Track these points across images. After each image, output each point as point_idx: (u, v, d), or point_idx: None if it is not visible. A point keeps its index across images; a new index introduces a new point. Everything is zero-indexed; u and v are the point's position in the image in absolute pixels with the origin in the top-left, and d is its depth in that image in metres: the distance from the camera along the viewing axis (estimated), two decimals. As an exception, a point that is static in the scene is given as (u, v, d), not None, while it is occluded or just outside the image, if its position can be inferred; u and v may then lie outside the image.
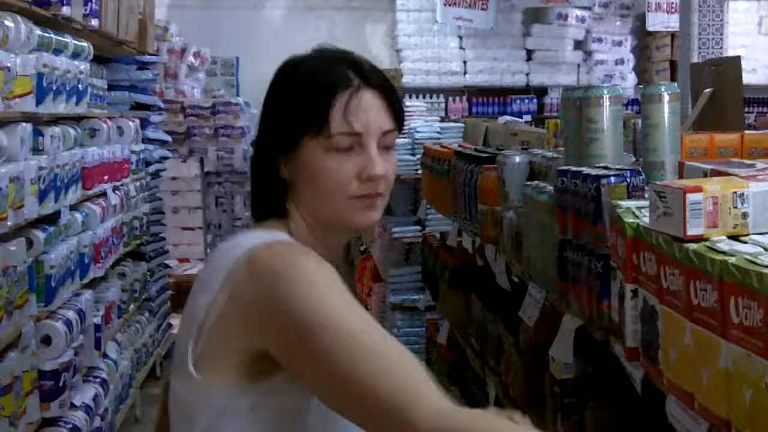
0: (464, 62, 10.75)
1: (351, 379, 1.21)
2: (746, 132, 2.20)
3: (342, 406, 1.25)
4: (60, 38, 3.88)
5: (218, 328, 1.31)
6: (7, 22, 3.18)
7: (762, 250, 1.07)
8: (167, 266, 6.64)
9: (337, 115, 1.34)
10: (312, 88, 1.36)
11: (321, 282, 1.27)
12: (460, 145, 3.73)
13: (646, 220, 1.31)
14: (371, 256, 7.27)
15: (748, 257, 1.02)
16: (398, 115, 1.39)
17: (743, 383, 1.02)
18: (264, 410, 1.31)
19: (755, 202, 1.18)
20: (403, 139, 5.43)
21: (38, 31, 3.55)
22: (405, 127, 5.58)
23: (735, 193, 1.18)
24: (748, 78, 8.78)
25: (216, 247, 1.46)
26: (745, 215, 1.18)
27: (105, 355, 4.46)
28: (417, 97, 10.08)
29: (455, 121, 6.08)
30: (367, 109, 1.34)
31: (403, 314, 5.44)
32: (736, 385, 1.03)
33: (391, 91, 1.38)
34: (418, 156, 4.85)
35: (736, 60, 2.97)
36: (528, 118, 9.69)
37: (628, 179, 1.58)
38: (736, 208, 1.18)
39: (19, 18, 3.33)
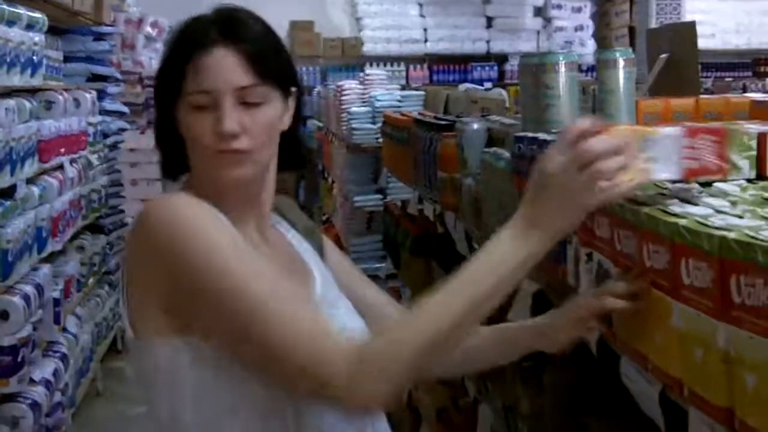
0: (424, 30, 10.73)
1: (253, 341, 1.27)
2: (701, 96, 2.21)
3: (249, 361, 1.30)
4: (13, 9, 3.81)
5: (133, 289, 1.36)
6: (-45, -8, 3.11)
7: (712, 212, 1.08)
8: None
9: (190, 73, 1.37)
10: (173, 48, 1.42)
11: (200, 233, 1.30)
12: (420, 113, 3.72)
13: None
14: (333, 225, 7.27)
15: (698, 219, 1.04)
16: (267, 70, 1.39)
17: (695, 343, 1.03)
18: (204, 363, 1.32)
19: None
20: (363, 108, 5.42)
21: (-11, 2, 3.48)
22: (366, 96, 5.57)
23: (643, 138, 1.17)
24: (706, 43, 8.87)
25: None
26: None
27: (65, 330, 4.42)
28: (377, 65, 10.04)
29: (416, 89, 6.06)
30: (217, 67, 1.36)
31: (366, 282, 5.46)
32: (688, 345, 1.05)
33: (256, 45, 1.38)
34: (379, 124, 4.84)
35: (691, 24, 2.97)
36: (489, 85, 9.69)
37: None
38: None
39: (-32, -12, 3.26)
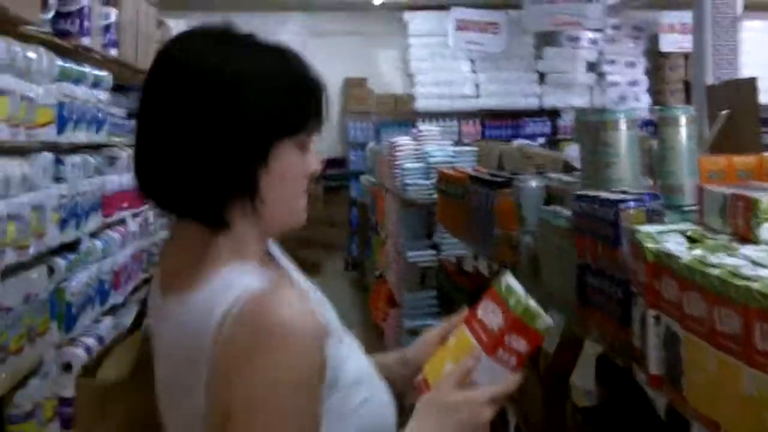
0: (477, 85, 10.80)
1: None
2: (765, 154, 2.20)
3: None
4: (80, 68, 3.93)
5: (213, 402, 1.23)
6: (30, 54, 3.23)
7: (784, 276, 1.08)
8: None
9: (312, 113, 1.34)
10: (297, 87, 1.33)
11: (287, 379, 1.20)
12: (474, 169, 3.74)
13: (667, 245, 1.32)
14: (386, 280, 7.27)
15: (770, 283, 1.03)
16: None
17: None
18: None
19: None
20: (417, 164, 5.46)
21: (59, 62, 3.59)
22: (420, 152, 5.62)
23: None
24: (764, 98, 8.77)
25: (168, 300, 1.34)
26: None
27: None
28: (430, 121, 10.11)
29: (469, 144, 6.10)
30: None
31: (420, 338, 5.43)
32: (761, 412, 1.04)
33: None
34: (432, 180, 4.87)
35: (752, 81, 2.98)
36: (542, 140, 9.71)
37: (646, 204, 1.59)
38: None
39: (41, 49, 3.38)
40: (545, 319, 1.38)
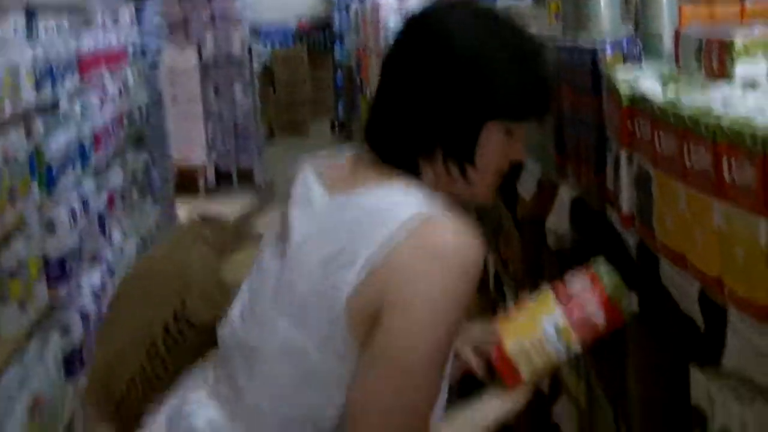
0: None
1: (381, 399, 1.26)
2: (746, 3, 2.17)
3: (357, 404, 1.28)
4: None
5: (363, 297, 1.26)
6: None
7: (755, 110, 1.08)
8: (169, 156, 6.66)
9: (537, 112, 1.40)
10: (536, 83, 1.38)
11: (449, 300, 1.25)
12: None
13: (642, 87, 1.32)
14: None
15: (741, 118, 1.03)
16: None
17: (736, 242, 1.04)
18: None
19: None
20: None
21: None
22: (403, 11, 5.51)
23: None
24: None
25: (333, 203, 1.36)
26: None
27: (110, 241, 4.52)
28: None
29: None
30: None
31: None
32: (729, 244, 1.05)
33: None
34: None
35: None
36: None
37: (624, 49, 1.57)
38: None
39: None
40: (632, 303, 1.44)
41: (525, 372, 1.47)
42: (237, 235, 1.66)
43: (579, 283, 1.49)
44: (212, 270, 1.55)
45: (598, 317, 1.45)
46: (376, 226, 1.26)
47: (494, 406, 1.46)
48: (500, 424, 1.46)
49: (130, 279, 1.67)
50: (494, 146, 1.35)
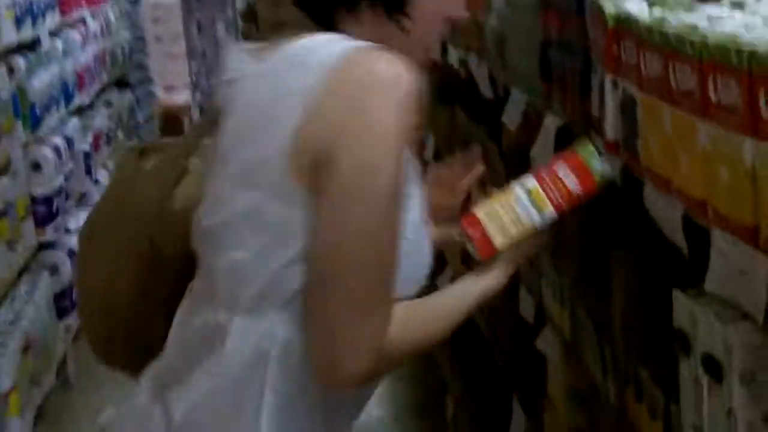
0: None
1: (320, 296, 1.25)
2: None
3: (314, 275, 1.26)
4: None
5: (299, 144, 1.23)
6: None
7: (742, 28, 1.06)
8: (153, 94, 6.60)
9: None
10: None
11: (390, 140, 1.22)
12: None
13: (627, 8, 1.30)
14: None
15: (727, 35, 1.02)
16: None
17: (720, 162, 1.03)
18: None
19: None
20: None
21: None
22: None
23: None
24: None
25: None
26: None
27: (96, 182, 4.50)
28: None
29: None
30: None
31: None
32: (714, 164, 1.05)
33: None
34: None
35: None
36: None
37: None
38: None
39: None
40: (605, 167, 1.41)
41: (496, 236, 1.43)
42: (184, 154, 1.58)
43: (552, 160, 1.49)
44: (158, 203, 1.50)
45: (570, 180, 1.42)
46: (304, 69, 1.24)
47: (471, 284, 1.44)
48: (481, 305, 1.44)
49: (94, 225, 1.61)
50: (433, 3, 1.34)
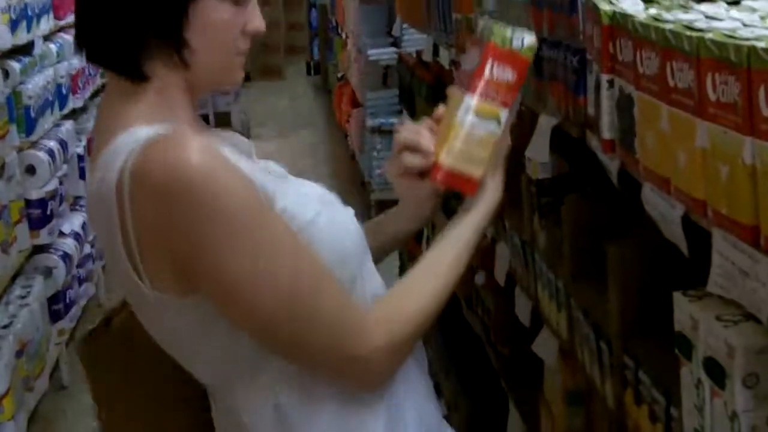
0: None
1: (278, 328, 1.23)
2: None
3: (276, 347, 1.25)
4: None
5: (143, 241, 1.19)
6: None
7: (740, 25, 1.05)
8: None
9: None
10: None
11: (227, 209, 1.16)
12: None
13: (623, 5, 1.28)
14: (348, 82, 7.19)
15: (725, 32, 1.00)
16: None
17: (720, 161, 1.02)
18: (213, 322, 1.25)
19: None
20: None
21: None
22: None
23: None
24: None
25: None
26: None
27: (90, 185, 4.48)
28: None
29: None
30: None
31: (382, 137, 5.46)
32: (712, 163, 1.03)
33: None
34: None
35: None
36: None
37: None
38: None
39: None
40: (524, 38, 1.35)
41: (473, 170, 1.40)
42: None
43: (469, 57, 1.42)
44: None
45: (503, 73, 1.37)
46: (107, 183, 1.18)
47: (465, 218, 1.41)
48: (484, 228, 1.43)
49: None
50: (216, 21, 1.25)
